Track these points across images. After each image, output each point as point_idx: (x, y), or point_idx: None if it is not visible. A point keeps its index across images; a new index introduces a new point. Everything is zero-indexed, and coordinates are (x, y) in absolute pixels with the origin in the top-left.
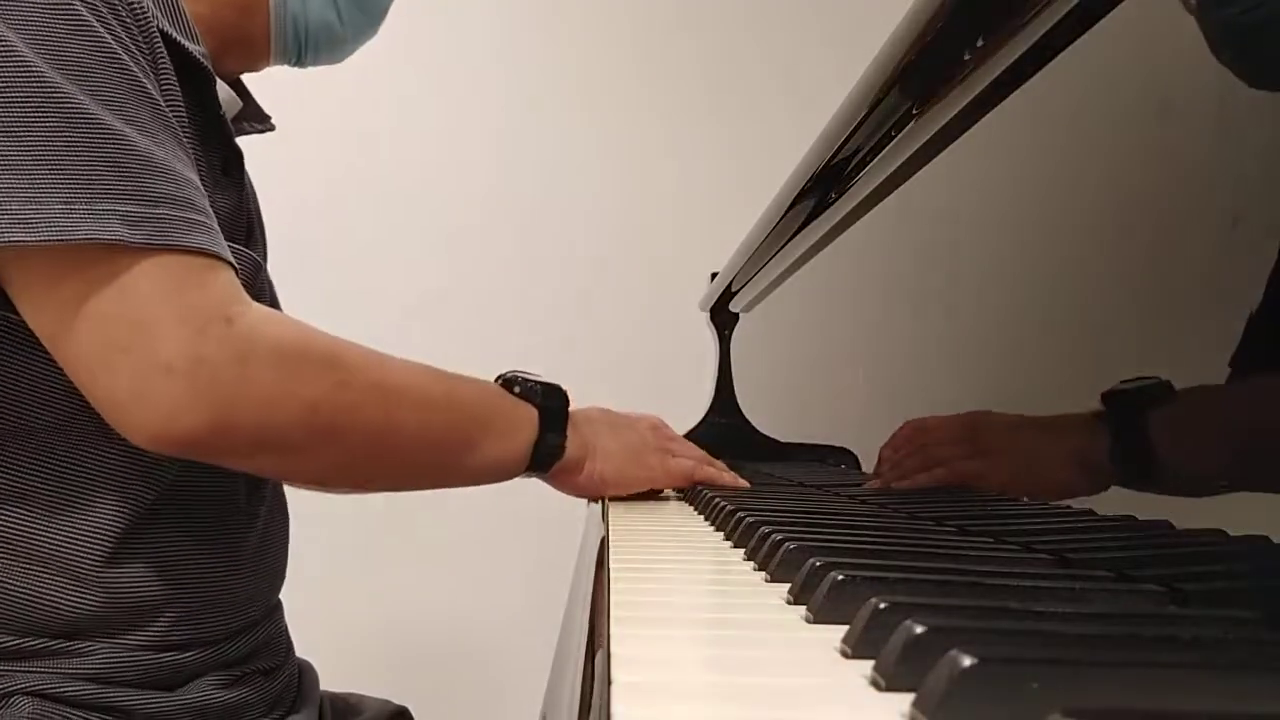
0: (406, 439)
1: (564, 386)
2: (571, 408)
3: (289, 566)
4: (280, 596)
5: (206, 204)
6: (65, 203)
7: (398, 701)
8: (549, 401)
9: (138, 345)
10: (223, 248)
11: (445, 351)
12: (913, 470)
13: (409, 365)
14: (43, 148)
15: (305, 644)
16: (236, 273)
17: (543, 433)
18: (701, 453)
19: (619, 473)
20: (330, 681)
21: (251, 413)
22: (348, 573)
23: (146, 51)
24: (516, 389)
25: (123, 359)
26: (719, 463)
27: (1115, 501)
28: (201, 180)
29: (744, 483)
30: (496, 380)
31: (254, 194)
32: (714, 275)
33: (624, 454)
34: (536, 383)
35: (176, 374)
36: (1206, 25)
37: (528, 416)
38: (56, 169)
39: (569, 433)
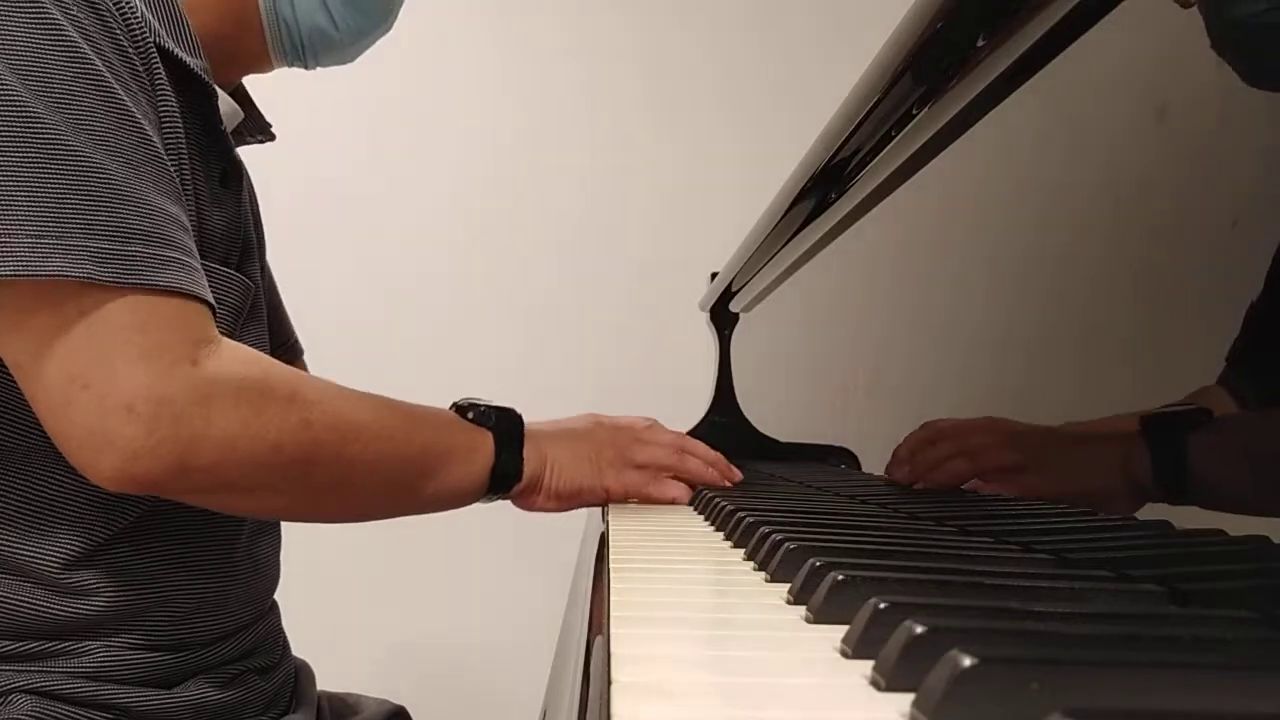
0: (367, 473)
1: (564, 385)
2: (527, 425)
3: (286, 566)
4: (277, 597)
5: (188, 238)
6: (36, 236)
7: (395, 701)
8: (502, 425)
9: (99, 383)
10: (197, 285)
11: (446, 351)
12: (938, 463)
13: (366, 398)
14: (17, 179)
15: (302, 643)
16: (214, 310)
17: (499, 455)
18: (665, 451)
19: (571, 484)
20: (328, 681)
21: (213, 454)
22: (345, 572)
23: (140, 72)
24: (470, 415)
25: (84, 396)
26: (697, 449)
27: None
28: (198, 194)
29: (683, 492)
30: (451, 407)
31: (254, 201)
32: (714, 275)
33: (577, 465)
34: (489, 408)
35: (137, 414)
36: (1213, 24)
37: (483, 441)
38: (29, 201)
39: (525, 452)
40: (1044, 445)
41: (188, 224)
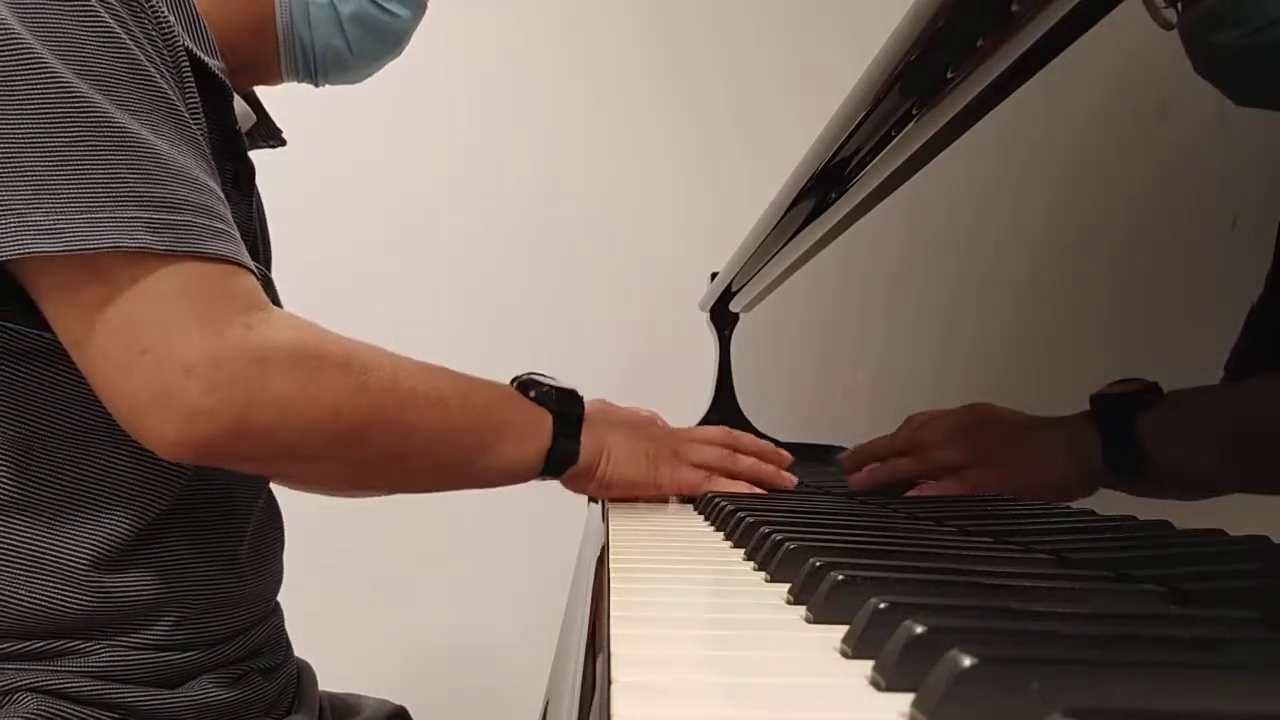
0: (422, 442)
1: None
2: (587, 407)
3: (288, 567)
4: (279, 597)
5: (228, 212)
6: (89, 210)
7: (395, 701)
8: (564, 408)
9: (156, 348)
10: (244, 255)
11: (444, 351)
12: (908, 474)
13: (425, 367)
14: (67, 155)
15: (304, 644)
16: (258, 280)
17: (556, 439)
18: (719, 452)
19: (625, 478)
20: (329, 682)
21: (271, 417)
22: (347, 573)
23: (171, 66)
24: (532, 393)
25: (141, 362)
26: (746, 442)
27: (1115, 501)
28: None
29: (763, 489)
30: (512, 382)
31: (261, 209)
32: (714, 275)
33: (633, 460)
34: (552, 388)
35: (195, 377)
36: (1194, 49)
37: (543, 422)
38: (80, 176)
39: (583, 438)
40: (992, 435)
41: (225, 201)
